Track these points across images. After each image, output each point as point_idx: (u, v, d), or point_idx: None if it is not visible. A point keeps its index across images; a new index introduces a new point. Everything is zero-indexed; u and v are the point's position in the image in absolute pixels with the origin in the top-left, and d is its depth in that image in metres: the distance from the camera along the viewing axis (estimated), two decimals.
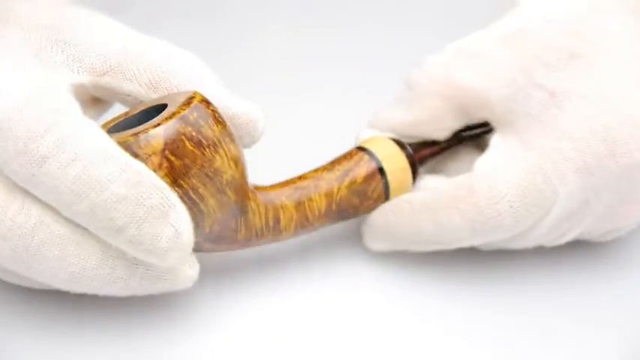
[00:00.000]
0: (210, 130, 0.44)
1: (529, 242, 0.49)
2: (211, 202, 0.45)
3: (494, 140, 0.49)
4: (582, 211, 0.48)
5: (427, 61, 0.51)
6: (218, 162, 0.45)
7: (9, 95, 0.43)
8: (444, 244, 0.49)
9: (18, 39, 0.46)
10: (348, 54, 0.66)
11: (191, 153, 0.44)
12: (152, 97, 0.47)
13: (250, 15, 0.69)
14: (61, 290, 0.45)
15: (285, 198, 0.48)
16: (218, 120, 0.45)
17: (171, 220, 0.43)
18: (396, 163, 0.50)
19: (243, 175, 0.46)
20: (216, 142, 0.45)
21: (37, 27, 0.47)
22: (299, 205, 0.49)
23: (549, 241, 0.49)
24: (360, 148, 0.51)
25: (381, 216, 0.50)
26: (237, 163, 0.46)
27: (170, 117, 0.44)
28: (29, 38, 0.46)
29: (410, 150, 0.51)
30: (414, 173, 0.51)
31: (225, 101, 0.47)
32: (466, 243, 0.48)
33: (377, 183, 0.50)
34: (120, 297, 0.46)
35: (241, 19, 0.68)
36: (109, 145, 0.43)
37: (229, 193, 0.45)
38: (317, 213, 0.49)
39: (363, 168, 0.50)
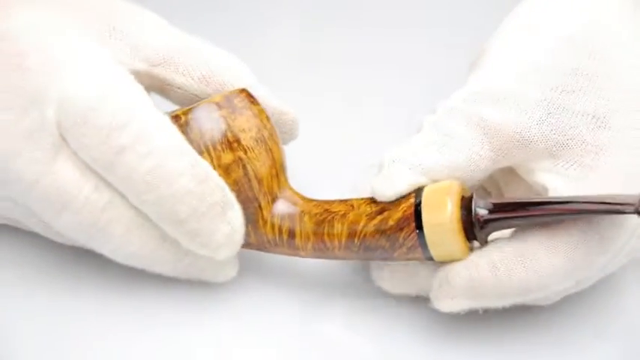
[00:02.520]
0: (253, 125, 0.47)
1: (606, 271, 0.47)
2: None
3: (550, 179, 0.47)
4: None
5: (448, 104, 0.48)
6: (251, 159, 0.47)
7: (93, 84, 0.46)
8: (532, 293, 0.46)
9: (80, 24, 0.48)
10: (362, 54, 0.66)
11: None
12: (204, 91, 0.50)
13: (261, 13, 0.68)
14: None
15: (307, 218, 0.47)
16: (266, 117, 0.48)
17: (229, 218, 0.47)
18: (440, 217, 0.45)
19: (264, 180, 0.47)
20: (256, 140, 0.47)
21: (95, 13, 0.49)
22: (318, 228, 0.47)
23: (614, 267, 0.48)
24: (418, 190, 0.46)
25: (465, 271, 0.46)
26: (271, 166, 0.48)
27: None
28: (89, 24, 0.48)
29: (478, 208, 0.45)
30: (469, 233, 0.45)
31: (270, 99, 0.50)
32: (561, 285, 0.46)
33: (410, 232, 0.46)
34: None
35: (252, 17, 0.68)
36: (181, 140, 0.46)
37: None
38: (336, 242, 0.47)
39: (399, 211, 0.46)
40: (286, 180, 0.49)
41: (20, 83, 0.46)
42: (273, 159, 0.48)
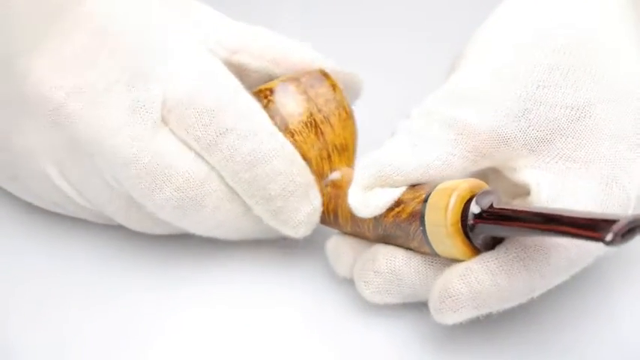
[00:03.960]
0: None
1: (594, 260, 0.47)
2: None
3: (531, 176, 0.46)
4: (637, 210, 0.47)
5: (422, 107, 0.48)
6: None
7: (196, 67, 0.48)
8: (536, 291, 0.45)
9: (166, 9, 0.51)
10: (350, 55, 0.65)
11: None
12: (275, 73, 0.52)
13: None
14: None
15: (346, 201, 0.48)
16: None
17: (311, 198, 0.49)
18: (438, 218, 0.44)
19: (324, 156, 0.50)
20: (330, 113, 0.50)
21: (172, 4, 0.51)
22: (352, 214, 0.48)
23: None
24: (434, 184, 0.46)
25: (464, 282, 0.44)
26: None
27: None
28: (169, 14, 0.51)
29: (471, 211, 0.44)
30: (469, 234, 0.44)
31: (337, 67, 0.52)
32: (560, 279, 0.45)
33: (417, 227, 0.45)
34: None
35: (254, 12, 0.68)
36: (270, 122, 0.48)
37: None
38: (366, 227, 0.48)
39: (411, 206, 0.46)
40: (342, 161, 0.50)
41: (125, 62, 0.48)
42: (325, 141, 0.50)
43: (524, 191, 0.47)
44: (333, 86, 0.51)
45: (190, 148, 0.48)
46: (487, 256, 0.44)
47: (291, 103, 0.50)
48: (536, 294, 0.45)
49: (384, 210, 0.46)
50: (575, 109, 0.46)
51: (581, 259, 0.44)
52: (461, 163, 0.47)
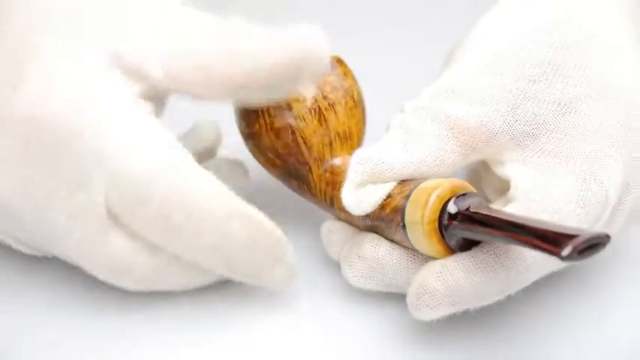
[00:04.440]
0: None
1: None
2: None
3: (513, 170, 0.47)
4: (617, 211, 0.47)
5: (414, 103, 0.48)
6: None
7: (138, 158, 0.45)
8: (512, 287, 0.45)
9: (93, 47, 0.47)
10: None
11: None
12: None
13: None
14: None
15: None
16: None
17: (281, 257, 0.47)
18: (415, 216, 0.45)
19: (320, 143, 0.50)
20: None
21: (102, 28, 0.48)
22: None
23: None
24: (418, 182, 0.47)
25: (439, 279, 0.44)
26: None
27: None
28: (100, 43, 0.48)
29: (447, 212, 0.44)
30: (443, 232, 0.45)
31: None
32: (538, 275, 0.46)
33: (398, 223, 0.46)
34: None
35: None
36: (227, 191, 0.46)
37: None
38: (356, 218, 0.48)
39: (396, 200, 0.47)
40: (345, 149, 0.51)
41: (63, 167, 0.46)
42: (328, 128, 0.50)
43: (509, 186, 0.47)
44: (345, 74, 0.52)
45: (145, 240, 0.46)
46: (463, 254, 0.45)
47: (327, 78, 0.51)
48: (513, 291, 0.45)
49: (375, 207, 0.47)
50: (562, 105, 0.47)
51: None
52: (452, 159, 0.47)
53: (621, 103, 0.47)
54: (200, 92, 0.47)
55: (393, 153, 0.47)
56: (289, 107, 0.50)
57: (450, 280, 0.44)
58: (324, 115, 0.50)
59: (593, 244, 0.40)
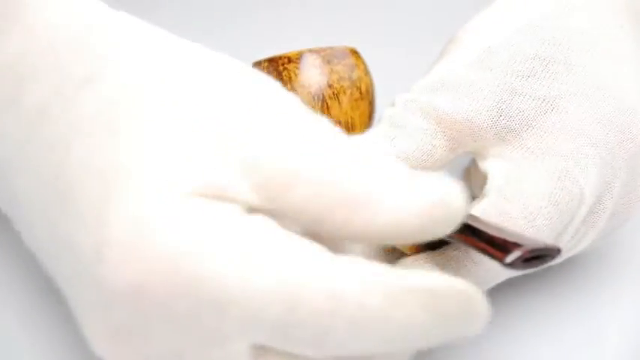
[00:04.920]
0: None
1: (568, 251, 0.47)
2: None
3: (492, 165, 0.47)
4: (597, 211, 0.47)
5: (405, 97, 0.48)
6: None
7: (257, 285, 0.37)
8: (486, 284, 0.45)
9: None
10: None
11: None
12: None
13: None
14: None
15: None
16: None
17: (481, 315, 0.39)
18: None
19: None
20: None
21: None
22: None
23: (565, 251, 0.47)
24: None
25: None
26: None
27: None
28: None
29: None
30: None
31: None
32: (507, 274, 0.46)
33: None
34: None
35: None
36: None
37: None
38: None
39: None
40: None
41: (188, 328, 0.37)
42: (330, 116, 0.51)
43: None
44: (356, 65, 0.52)
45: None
46: (435, 251, 0.45)
47: (303, 74, 0.51)
48: (486, 287, 0.45)
49: None
50: (546, 102, 0.47)
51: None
52: (440, 153, 0.47)
53: (607, 102, 0.47)
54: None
55: (381, 146, 0.47)
56: (293, 92, 0.51)
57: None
58: (327, 104, 0.51)
59: (541, 255, 0.40)
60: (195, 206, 0.37)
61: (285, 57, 0.51)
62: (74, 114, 0.39)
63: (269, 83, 0.41)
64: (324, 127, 0.40)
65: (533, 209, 0.45)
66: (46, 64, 0.40)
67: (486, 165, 0.47)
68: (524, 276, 0.49)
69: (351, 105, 0.52)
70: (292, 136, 0.39)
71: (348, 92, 0.51)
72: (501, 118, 0.46)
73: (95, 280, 0.37)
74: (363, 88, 0.52)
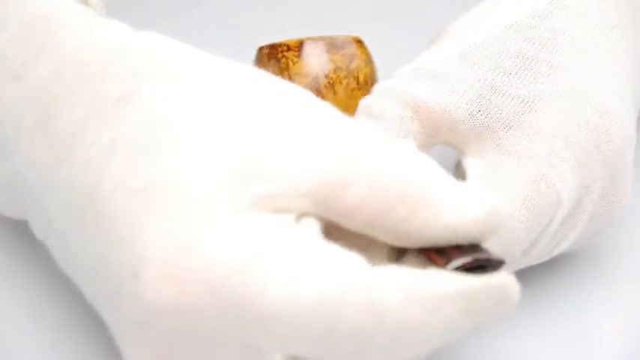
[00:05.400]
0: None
1: (530, 259, 0.47)
2: None
3: (468, 164, 0.46)
4: (576, 214, 0.46)
5: (385, 84, 0.48)
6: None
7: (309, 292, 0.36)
8: None
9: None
10: None
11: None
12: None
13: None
14: None
15: None
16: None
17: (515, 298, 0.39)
18: None
19: None
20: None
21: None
22: None
23: (541, 255, 0.47)
24: None
25: None
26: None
27: None
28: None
29: None
30: None
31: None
32: None
33: None
34: None
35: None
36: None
37: None
38: None
39: None
40: None
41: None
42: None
43: None
44: (357, 55, 0.52)
45: None
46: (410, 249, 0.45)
47: (301, 63, 0.51)
48: None
49: None
50: (525, 102, 0.46)
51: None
52: (418, 141, 0.47)
53: (585, 104, 0.46)
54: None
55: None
56: (290, 80, 0.50)
57: None
58: (321, 93, 0.51)
59: (485, 265, 0.40)
60: (245, 220, 0.37)
61: (284, 44, 0.51)
62: (109, 134, 0.39)
63: (302, 93, 0.41)
64: (367, 130, 0.40)
65: (507, 214, 0.44)
66: (80, 85, 0.40)
67: (466, 162, 0.47)
68: (518, 273, 0.48)
69: (348, 95, 0.51)
70: (339, 138, 0.39)
71: (345, 82, 0.51)
72: (479, 113, 0.46)
73: (133, 299, 0.36)
74: (361, 78, 0.52)
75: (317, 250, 0.37)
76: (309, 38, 0.51)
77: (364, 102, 0.48)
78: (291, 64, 0.51)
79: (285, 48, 0.51)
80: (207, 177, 0.37)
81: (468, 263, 0.39)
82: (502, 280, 0.38)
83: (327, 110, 0.41)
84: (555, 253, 0.47)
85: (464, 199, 0.39)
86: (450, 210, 0.39)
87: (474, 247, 0.40)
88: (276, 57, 0.51)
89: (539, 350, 0.48)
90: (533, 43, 0.47)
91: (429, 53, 0.48)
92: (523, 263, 0.47)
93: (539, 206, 0.45)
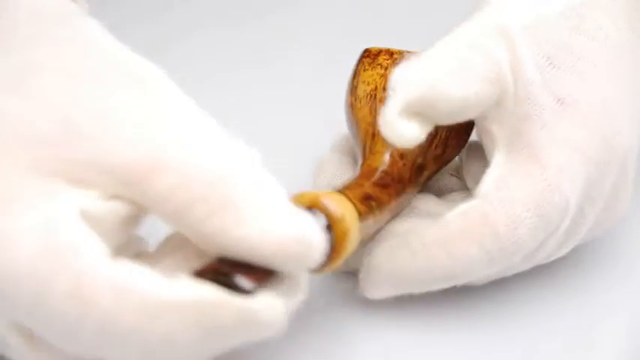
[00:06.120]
0: None
1: (534, 262, 0.47)
2: None
3: (499, 158, 0.45)
4: (579, 223, 0.46)
5: (403, 70, 0.44)
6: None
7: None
8: (457, 279, 0.45)
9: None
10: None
11: None
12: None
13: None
14: None
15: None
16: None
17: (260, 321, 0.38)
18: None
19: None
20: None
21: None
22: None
23: (540, 261, 0.47)
24: None
25: (386, 258, 0.45)
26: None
27: None
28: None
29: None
30: None
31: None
32: (482, 273, 0.45)
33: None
34: None
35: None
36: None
37: None
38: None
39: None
40: (383, 147, 0.48)
41: None
42: (375, 118, 0.49)
43: None
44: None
45: None
46: (410, 235, 0.45)
47: (372, 71, 0.50)
48: (457, 282, 0.45)
49: (419, 142, 0.43)
50: (561, 104, 0.45)
51: (501, 255, 0.44)
52: (494, 88, 0.45)
53: (607, 120, 0.46)
54: None
55: (447, 82, 0.43)
56: (354, 87, 0.50)
57: (393, 260, 0.45)
58: (376, 106, 0.49)
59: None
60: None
61: (367, 50, 0.51)
62: None
63: (148, 76, 0.41)
64: (202, 122, 0.40)
65: (516, 218, 0.44)
66: None
67: (491, 153, 0.46)
68: (516, 275, 0.49)
69: None
70: (161, 124, 0.39)
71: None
72: (528, 101, 0.45)
73: None
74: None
75: (58, 225, 0.37)
76: (386, 49, 0.50)
77: (444, 42, 0.45)
78: (361, 70, 0.50)
79: (365, 54, 0.50)
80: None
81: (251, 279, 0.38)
82: (256, 303, 0.37)
83: (163, 97, 0.40)
84: (553, 258, 0.47)
85: (274, 218, 0.37)
86: (253, 223, 0.37)
87: (265, 272, 0.38)
88: (358, 61, 0.51)
89: (539, 351, 0.48)
90: (585, 37, 0.46)
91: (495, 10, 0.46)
92: (522, 267, 0.47)
93: (548, 215, 0.44)
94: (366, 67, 0.50)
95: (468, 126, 0.49)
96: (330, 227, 0.41)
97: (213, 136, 0.39)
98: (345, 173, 0.50)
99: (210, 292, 0.37)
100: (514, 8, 0.46)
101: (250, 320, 0.37)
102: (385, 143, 0.47)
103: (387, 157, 0.47)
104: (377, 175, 0.46)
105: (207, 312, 0.36)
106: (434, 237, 0.44)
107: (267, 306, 0.37)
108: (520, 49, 0.45)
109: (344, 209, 0.42)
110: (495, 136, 0.46)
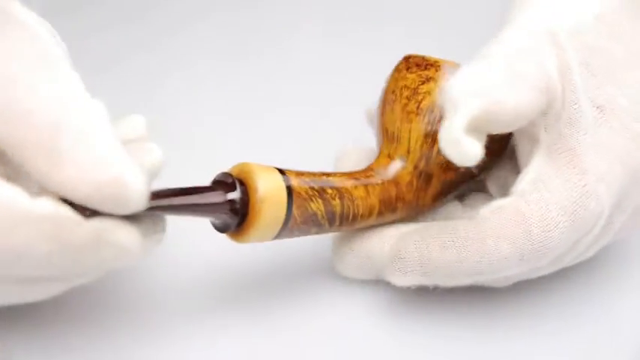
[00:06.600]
0: None
1: (560, 265, 0.47)
2: None
3: (539, 160, 0.45)
4: (607, 230, 0.46)
5: (460, 82, 0.43)
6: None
7: None
8: (484, 274, 0.45)
9: None
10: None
11: None
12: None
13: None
14: None
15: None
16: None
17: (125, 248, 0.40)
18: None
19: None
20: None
21: None
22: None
23: (569, 261, 0.47)
24: None
25: (415, 247, 0.45)
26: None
27: None
28: None
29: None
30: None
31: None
32: (510, 272, 0.45)
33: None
34: None
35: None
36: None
37: None
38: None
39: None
40: (394, 150, 0.48)
41: None
42: (390, 118, 0.49)
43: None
44: (437, 81, 0.48)
45: None
46: (443, 228, 0.45)
47: (410, 74, 0.49)
48: (484, 278, 0.45)
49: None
50: (602, 113, 0.45)
51: (533, 256, 0.44)
52: (542, 95, 0.44)
53: (631, 123, 0.46)
54: None
55: (504, 94, 0.43)
56: (388, 89, 0.50)
57: (425, 250, 0.45)
58: (407, 114, 0.49)
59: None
60: None
61: (407, 56, 0.50)
62: None
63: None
64: (62, 75, 0.40)
65: (551, 221, 0.44)
66: None
67: (531, 156, 0.46)
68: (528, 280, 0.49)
69: (401, 117, 0.49)
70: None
71: (404, 102, 0.48)
72: (574, 106, 0.45)
73: None
74: (424, 106, 0.48)
75: None
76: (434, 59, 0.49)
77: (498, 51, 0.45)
78: (397, 77, 0.49)
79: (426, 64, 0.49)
80: None
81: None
82: (112, 225, 0.39)
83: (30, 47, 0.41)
84: (577, 262, 0.47)
85: (94, 163, 0.38)
86: (71, 167, 0.38)
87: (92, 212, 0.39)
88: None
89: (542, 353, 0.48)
90: (625, 45, 0.46)
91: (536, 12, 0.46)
92: (548, 270, 0.47)
93: (582, 220, 0.44)
94: (402, 70, 0.49)
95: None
96: (246, 195, 0.43)
97: (59, 88, 0.40)
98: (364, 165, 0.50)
99: (69, 210, 0.38)
100: (557, 12, 0.46)
101: (105, 240, 0.39)
102: (389, 145, 0.48)
103: (387, 160, 0.48)
104: (366, 173, 0.48)
105: (65, 226, 0.38)
106: (467, 231, 0.44)
107: (124, 230, 0.39)
108: (568, 55, 0.45)
109: (268, 182, 0.43)
110: (540, 140, 0.46)
